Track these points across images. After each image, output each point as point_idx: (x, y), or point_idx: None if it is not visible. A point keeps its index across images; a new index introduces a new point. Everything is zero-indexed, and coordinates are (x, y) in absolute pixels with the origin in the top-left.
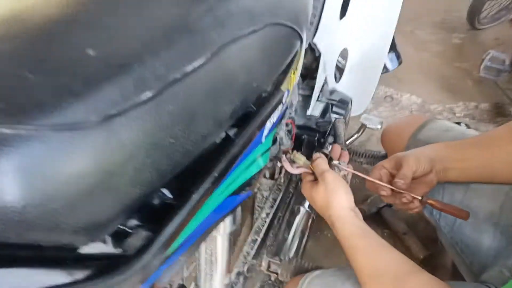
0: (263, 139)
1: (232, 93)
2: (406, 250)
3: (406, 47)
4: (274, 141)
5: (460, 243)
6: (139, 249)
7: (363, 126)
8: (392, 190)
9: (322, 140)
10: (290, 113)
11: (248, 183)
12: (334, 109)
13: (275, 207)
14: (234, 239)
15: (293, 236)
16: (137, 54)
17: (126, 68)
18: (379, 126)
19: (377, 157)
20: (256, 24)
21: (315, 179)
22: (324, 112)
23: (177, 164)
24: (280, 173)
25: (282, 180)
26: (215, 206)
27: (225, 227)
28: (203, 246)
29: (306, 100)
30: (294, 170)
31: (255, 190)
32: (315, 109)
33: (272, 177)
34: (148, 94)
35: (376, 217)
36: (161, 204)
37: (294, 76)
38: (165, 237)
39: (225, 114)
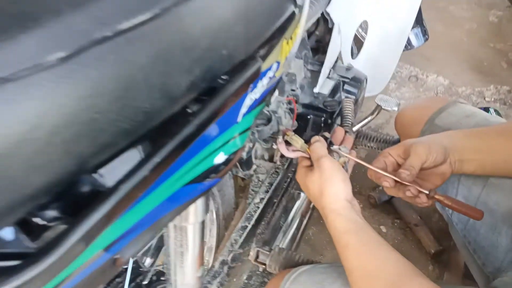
0: (239, 118)
1: (189, 60)
2: (417, 243)
3: (436, 24)
4: (270, 120)
5: (473, 243)
6: (46, 246)
7: (378, 107)
8: (397, 181)
9: (329, 121)
10: (293, 90)
11: (214, 170)
12: (346, 87)
13: (270, 192)
14: (226, 225)
15: (290, 224)
16: (50, 4)
17: (30, 21)
18: (395, 108)
19: (389, 142)
20: None
21: (312, 165)
22: (334, 90)
23: (106, 146)
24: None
25: (281, 163)
26: (166, 196)
27: (196, 216)
28: (172, 237)
29: (315, 76)
30: (289, 153)
31: (251, 172)
32: (324, 86)
33: (271, 159)
34: (59, 54)
35: (387, 205)
36: (94, 193)
37: (288, 47)
38: (82, 232)
39: (180, 86)
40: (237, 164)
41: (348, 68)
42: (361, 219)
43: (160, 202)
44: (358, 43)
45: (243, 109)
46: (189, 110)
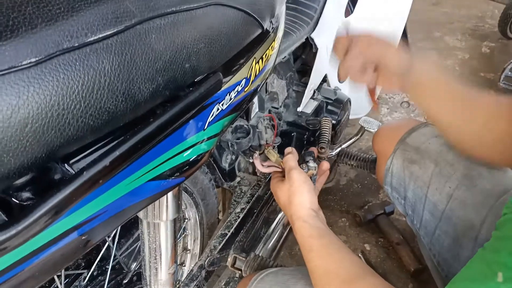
0: (205, 126)
1: (152, 71)
2: (398, 261)
3: (431, 53)
4: (248, 133)
5: (438, 255)
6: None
7: (362, 129)
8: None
9: (312, 138)
10: (276, 108)
11: (179, 169)
12: (329, 107)
13: (251, 202)
14: (210, 234)
15: (270, 235)
16: (28, 18)
17: (8, 32)
18: (377, 129)
19: (367, 160)
20: (191, 2)
21: (284, 177)
22: (318, 110)
23: (74, 138)
24: None
25: (262, 176)
26: (130, 188)
27: (168, 214)
28: (145, 233)
29: (299, 96)
30: (263, 169)
31: (235, 184)
32: (308, 106)
33: (255, 172)
34: (30, 60)
35: (372, 224)
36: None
37: (258, 66)
38: (47, 207)
39: (142, 92)
40: (220, 175)
41: (335, 91)
42: (325, 226)
43: (124, 194)
44: None
45: (210, 118)
46: (149, 114)
